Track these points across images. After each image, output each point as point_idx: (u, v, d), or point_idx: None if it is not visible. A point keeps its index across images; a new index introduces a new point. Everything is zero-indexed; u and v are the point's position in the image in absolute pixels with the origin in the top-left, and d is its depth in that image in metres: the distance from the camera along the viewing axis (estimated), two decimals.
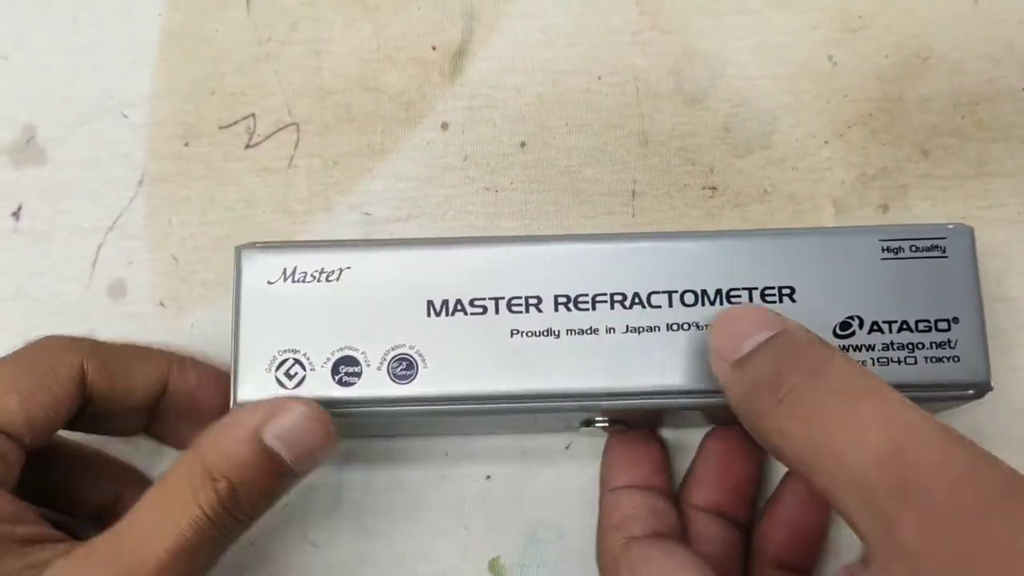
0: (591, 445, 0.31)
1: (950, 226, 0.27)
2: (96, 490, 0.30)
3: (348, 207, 0.33)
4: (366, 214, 0.33)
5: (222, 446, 0.24)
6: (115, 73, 0.33)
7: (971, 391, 0.26)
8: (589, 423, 0.29)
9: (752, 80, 0.33)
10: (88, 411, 0.27)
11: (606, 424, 0.29)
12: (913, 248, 0.27)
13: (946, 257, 0.27)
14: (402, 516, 0.31)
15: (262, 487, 0.25)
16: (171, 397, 0.29)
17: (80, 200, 0.32)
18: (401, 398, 0.26)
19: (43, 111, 0.33)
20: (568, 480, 0.31)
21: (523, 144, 0.33)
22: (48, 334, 0.28)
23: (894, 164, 0.33)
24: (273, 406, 0.25)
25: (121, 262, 0.32)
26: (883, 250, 0.27)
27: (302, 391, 0.26)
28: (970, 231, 0.27)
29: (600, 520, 0.29)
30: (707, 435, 0.30)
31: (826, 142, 0.33)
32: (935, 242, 0.27)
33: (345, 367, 0.26)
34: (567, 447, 0.31)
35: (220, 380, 0.29)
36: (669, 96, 0.33)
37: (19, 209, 0.33)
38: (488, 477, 0.31)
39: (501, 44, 0.33)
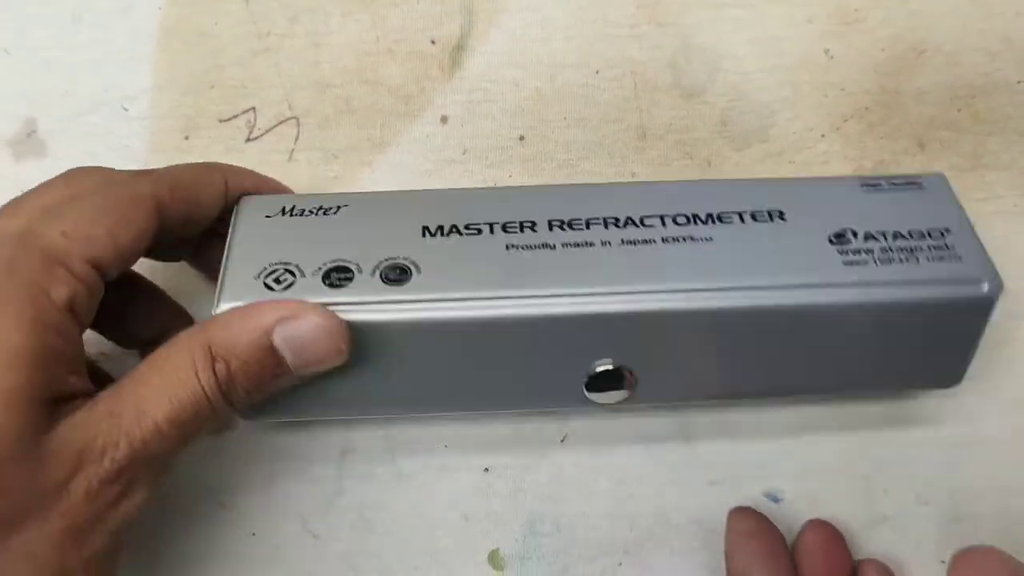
0: (587, 437, 0.31)
1: (924, 175, 0.28)
2: (148, 323, 0.30)
3: None
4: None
5: (231, 331, 0.25)
6: (115, 67, 0.33)
7: (984, 285, 0.26)
8: (593, 383, 0.27)
9: (749, 74, 0.33)
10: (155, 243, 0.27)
11: (613, 388, 0.27)
12: (891, 184, 0.28)
13: (923, 188, 0.28)
14: (402, 507, 0.31)
15: (259, 380, 0.25)
16: (229, 209, 0.29)
17: None
18: (393, 300, 0.26)
19: (44, 104, 0.33)
20: (565, 473, 0.31)
21: (522, 138, 0.33)
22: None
23: (891, 157, 0.33)
24: (293, 309, 0.25)
25: None
26: (862, 186, 0.28)
27: (289, 295, 0.26)
28: (943, 176, 0.28)
29: None
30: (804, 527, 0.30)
31: (823, 135, 0.33)
32: (911, 180, 0.28)
33: (337, 274, 0.26)
34: (562, 440, 0.31)
35: (275, 187, 0.30)
36: (667, 90, 0.33)
37: None
38: (486, 469, 0.31)
39: (500, 38, 0.33)
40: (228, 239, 0.27)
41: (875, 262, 0.26)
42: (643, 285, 0.25)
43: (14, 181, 0.33)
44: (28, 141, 0.33)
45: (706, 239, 0.27)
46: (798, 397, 0.32)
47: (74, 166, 0.33)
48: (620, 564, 0.31)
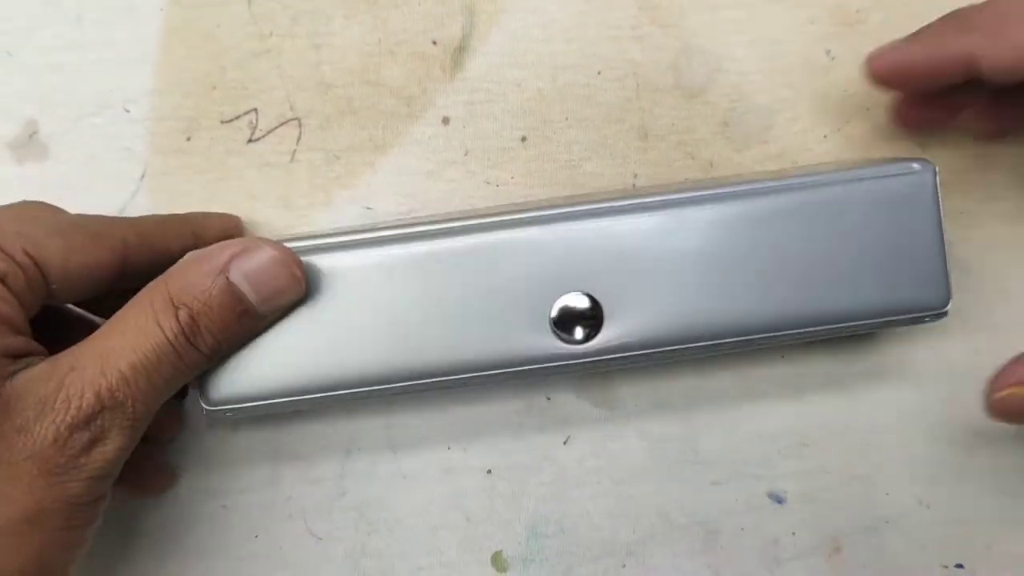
0: (589, 438, 0.31)
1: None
2: None
3: (349, 201, 0.33)
4: (367, 208, 0.33)
5: (188, 276, 0.25)
6: (117, 68, 0.33)
7: (914, 164, 0.28)
8: (560, 322, 0.27)
9: (750, 75, 0.33)
10: (120, 286, 0.28)
11: (582, 325, 0.27)
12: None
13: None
14: (404, 509, 0.31)
15: (223, 322, 0.26)
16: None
17: (83, 195, 0.33)
18: (351, 238, 0.27)
19: (46, 106, 0.33)
20: (568, 474, 0.31)
21: (524, 138, 0.33)
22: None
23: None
24: (244, 245, 0.26)
25: None
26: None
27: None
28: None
29: None
30: None
31: (825, 136, 0.33)
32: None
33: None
34: (565, 441, 0.31)
35: (236, 230, 0.31)
36: (668, 91, 0.33)
37: None
38: (489, 471, 0.31)
39: (501, 39, 0.33)
40: None
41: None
42: (603, 204, 0.27)
43: (16, 183, 0.33)
44: (30, 143, 0.33)
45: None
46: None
47: (76, 168, 0.33)
48: (623, 565, 0.31)
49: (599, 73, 0.33)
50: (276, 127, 0.33)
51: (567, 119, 0.33)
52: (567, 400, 0.32)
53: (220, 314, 0.25)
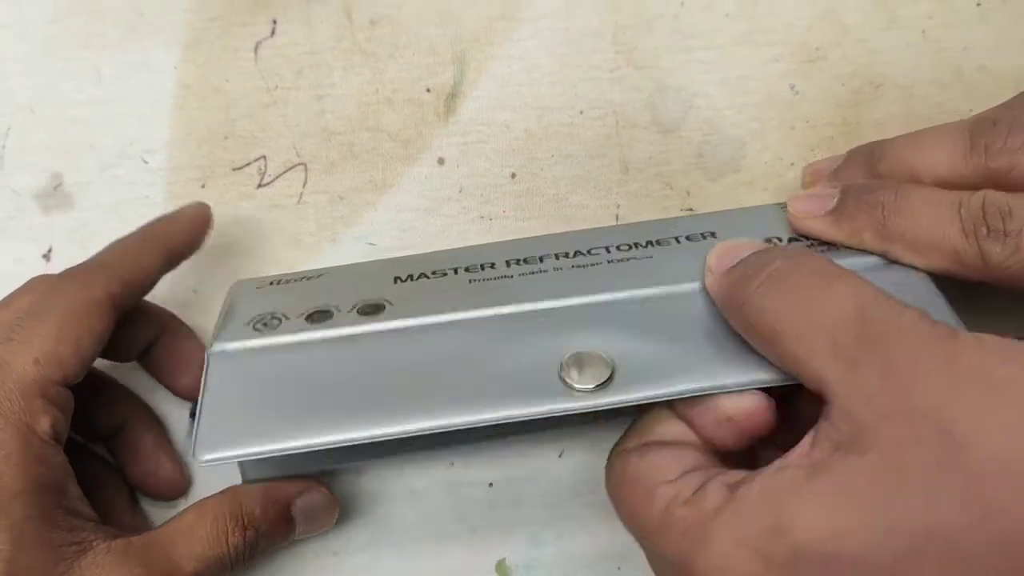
0: (582, 450, 0.34)
1: None
2: (108, 416, 0.32)
3: (354, 238, 0.35)
4: (370, 244, 0.35)
5: (263, 505, 0.28)
6: (135, 122, 0.36)
7: None
8: (567, 368, 0.26)
9: (721, 110, 0.36)
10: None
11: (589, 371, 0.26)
12: None
13: None
14: (413, 522, 0.33)
15: (272, 542, 0.29)
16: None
17: (106, 240, 0.35)
18: (370, 332, 0.28)
19: (69, 159, 0.36)
20: (563, 485, 0.34)
21: (514, 175, 0.36)
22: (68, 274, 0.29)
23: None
24: (306, 484, 0.30)
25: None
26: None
27: (276, 338, 0.29)
28: None
29: None
30: None
31: (792, 164, 0.36)
32: None
33: (318, 315, 0.29)
34: (560, 455, 0.34)
35: (200, 225, 0.32)
36: (646, 127, 0.36)
37: (49, 251, 0.35)
38: (491, 484, 0.34)
39: (490, 85, 0.36)
40: (223, 305, 0.31)
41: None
42: (594, 293, 0.29)
43: (43, 232, 0.35)
44: (55, 194, 0.36)
45: (647, 257, 0.30)
46: None
47: (100, 216, 0.35)
48: (619, 568, 0.33)
49: (581, 112, 0.36)
50: (284, 172, 0.36)
51: (553, 156, 0.36)
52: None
53: (273, 537, 0.29)
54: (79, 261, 0.35)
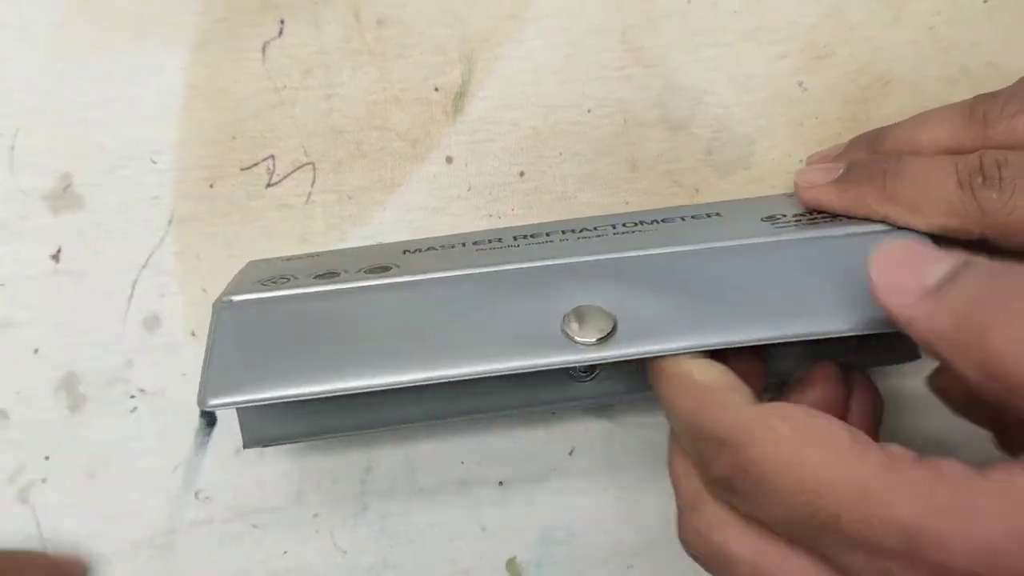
0: (593, 448, 0.33)
1: None
2: None
3: (362, 237, 0.35)
4: (379, 243, 0.35)
5: None
6: (144, 123, 0.36)
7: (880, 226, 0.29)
8: (568, 321, 0.27)
9: (730, 108, 0.36)
10: None
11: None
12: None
13: None
14: (423, 521, 0.33)
15: None
16: None
17: (115, 241, 0.35)
18: (376, 284, 0.29)
19: (78, 160, 0.36)
20: (574, 483, 0.34)
21: (522, 173, 0.36)
22: None
23: None
24: None
25: (154, 296, 0.35)
26: (792, 195, 0.32)
27: (283, 291, 0.29)
28: None
29: None
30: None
31: (801, 160, 0.35)
32: None
33: (327, 275, 0.30)
34: (570, 452, 0.34)
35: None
36: (654, 125, 0.36)
37: (59, 251, 0.35)
38: (501, 482, 0.34)
39: (498, 84, 0.36)
40: (233, 277, 0.32)
41: (804, 226, 0.29)
42: (601, 255, 0.29)
43: (52, 232, 0.35)
44: (64, 195, 0.36)
45: (652, 231, 0.31)
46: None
47: (109, 216, 0.35)
48: (630, 567, 0.33)
49: (589, 111, 0.36)
50: (292, 172, 0.36)
51: (561, 154, 0.36)
52: (571, 414, 0.34)
53: None
54: (88, 260, 0.35)
